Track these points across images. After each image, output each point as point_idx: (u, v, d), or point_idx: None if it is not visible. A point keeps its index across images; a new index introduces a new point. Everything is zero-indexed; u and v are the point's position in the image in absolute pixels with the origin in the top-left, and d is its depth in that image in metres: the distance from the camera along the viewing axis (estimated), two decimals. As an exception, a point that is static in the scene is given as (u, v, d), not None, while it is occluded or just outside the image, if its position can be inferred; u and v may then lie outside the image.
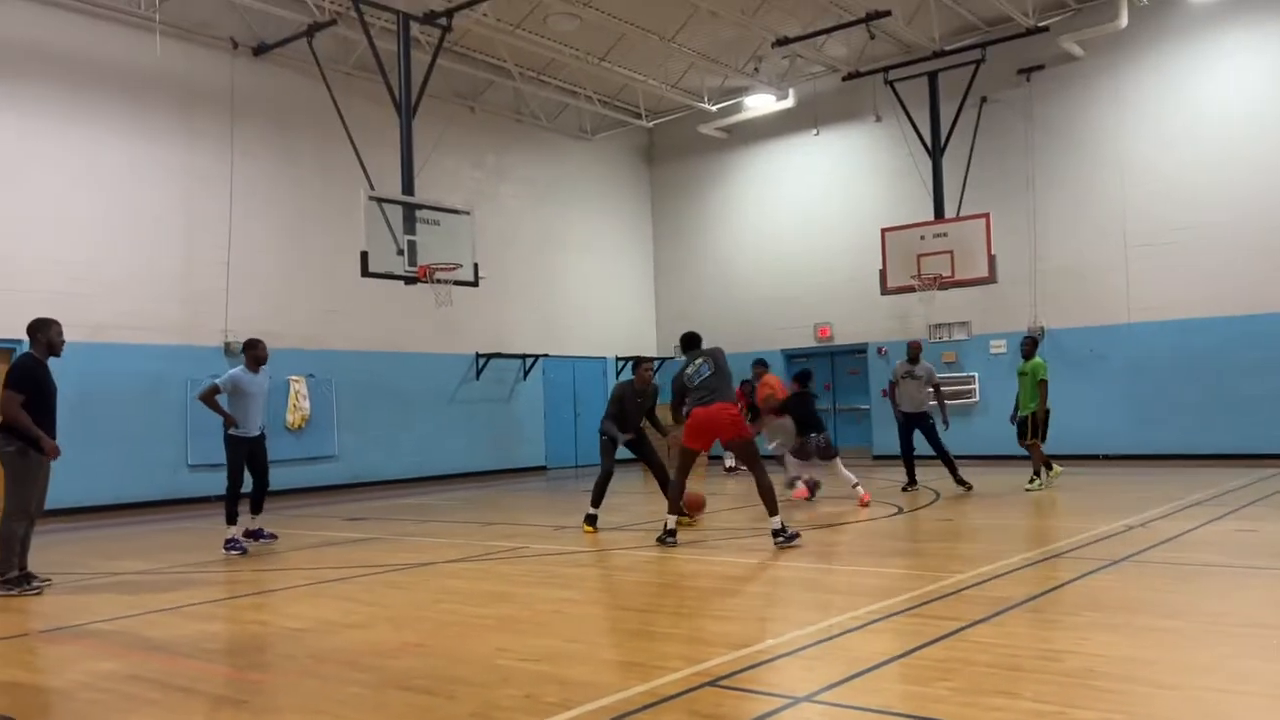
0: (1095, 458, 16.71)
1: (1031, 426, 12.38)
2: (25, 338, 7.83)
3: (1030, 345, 12.71)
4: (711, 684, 4.33)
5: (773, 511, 8.27)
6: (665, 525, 8.72)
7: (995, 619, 5.41)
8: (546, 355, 20.22)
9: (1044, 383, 12.30)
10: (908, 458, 13.10)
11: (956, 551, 8.10)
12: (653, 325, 23.08)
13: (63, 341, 7.87)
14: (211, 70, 15.55)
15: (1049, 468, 12.81)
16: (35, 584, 7.47)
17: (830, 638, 5.14)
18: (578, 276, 21.43)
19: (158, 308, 14.68)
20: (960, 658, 4.65)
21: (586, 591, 7.06)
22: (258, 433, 9.64)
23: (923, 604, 5.86)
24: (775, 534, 8.21)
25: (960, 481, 12.51)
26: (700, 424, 8.60)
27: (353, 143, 14.16)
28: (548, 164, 20.99)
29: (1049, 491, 12.29)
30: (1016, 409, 12.69)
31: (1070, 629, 5.18)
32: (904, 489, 12.81)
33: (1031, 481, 12.56)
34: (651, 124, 21.71)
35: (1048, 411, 12.36)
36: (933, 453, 12.91)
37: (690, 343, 9.25)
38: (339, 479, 16.46)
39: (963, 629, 5.19)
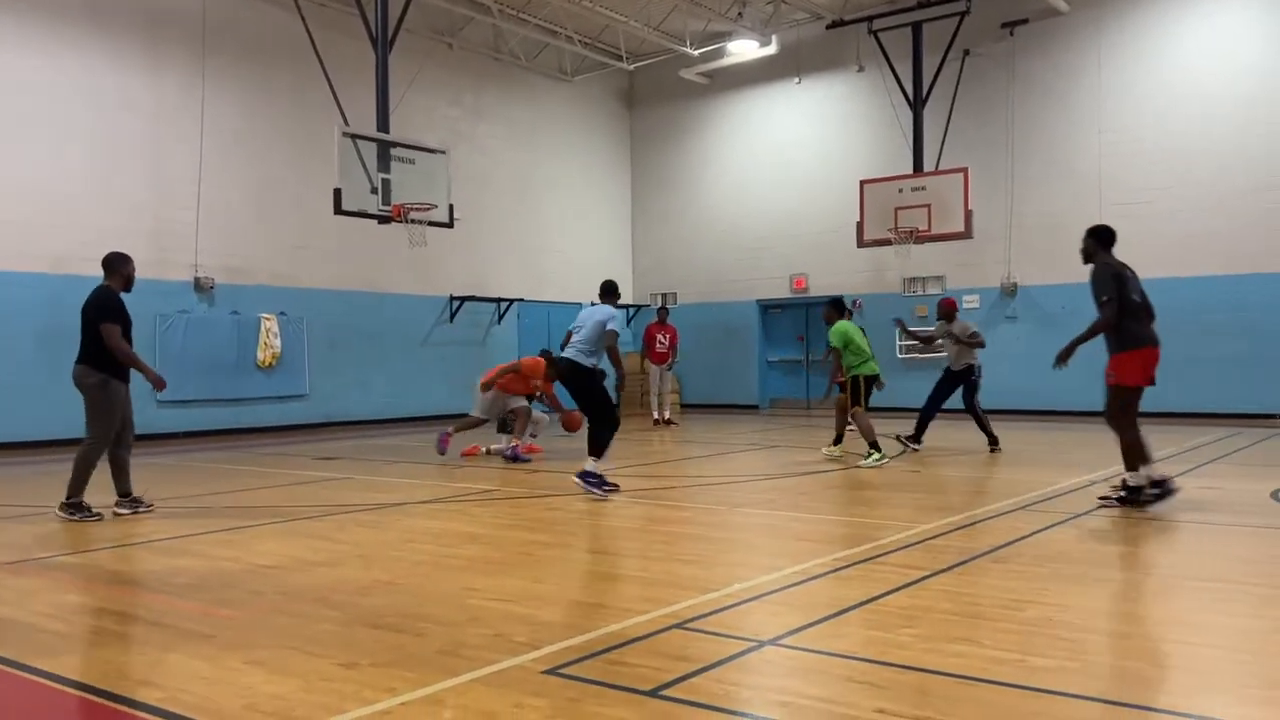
0: (1064, 414, 16.92)
1: (852, 391, 11.28)
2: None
3: (831, 310, 11.83)
4: (679, 626, 4.38)
5: (1130, 467, 7.48)
6: (1140, 485, 7.45)
7: (959, 568, 5.50)
8: (522, 300, 20.12)
9: (843, 349, 11.24)
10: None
11: (923, 502, 8.20)
12: (629, 271, 23.00)
13: (135, 276, 8.23)
14: (182, -2, 15.15)
15: (838, 440, 11.92)
16: (141, 507, 7.85)
17: (797, 583, 5.21)
18: (555, 220, 21.27)
19: (124, 241, 14.27)
20: (924, 605, 4.73)
21: (557, 534, 7.10)
22: None
23: (889, 553, 5.95)
24: (1128, 490, 7.44)
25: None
26: (1150, 358, 7.57)
27: (327, 77, 13.87)
28: (526, 104, 20.71)
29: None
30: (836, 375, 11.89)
31: (1031, 579, 5.27)
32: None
33: (868, 456, 10.78)
34: (632, 67, 21.43)
35: (858, 377, 11.15)
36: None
37: (1102, 238, 7.86)
38: (310, 418, 16.39)
39: (927, 578, 5.27)
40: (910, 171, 17.58)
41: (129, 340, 7.84)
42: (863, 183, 17.83)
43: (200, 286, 15.13)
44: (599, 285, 9.55)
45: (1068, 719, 3.31)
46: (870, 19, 18.01)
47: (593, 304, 9.38)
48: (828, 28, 18.95)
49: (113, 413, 7.67)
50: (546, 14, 19.06)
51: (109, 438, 7.71)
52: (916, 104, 17.75)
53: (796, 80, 20.58)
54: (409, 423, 17.70)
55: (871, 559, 5.77)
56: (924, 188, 17.09)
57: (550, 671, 3.77)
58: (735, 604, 4.80)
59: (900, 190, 17.33)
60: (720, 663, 3.88)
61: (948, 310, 12.56)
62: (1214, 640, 4.22)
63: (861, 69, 19.45)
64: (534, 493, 9.08)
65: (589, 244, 22.01)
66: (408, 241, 14.00)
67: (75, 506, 7.61)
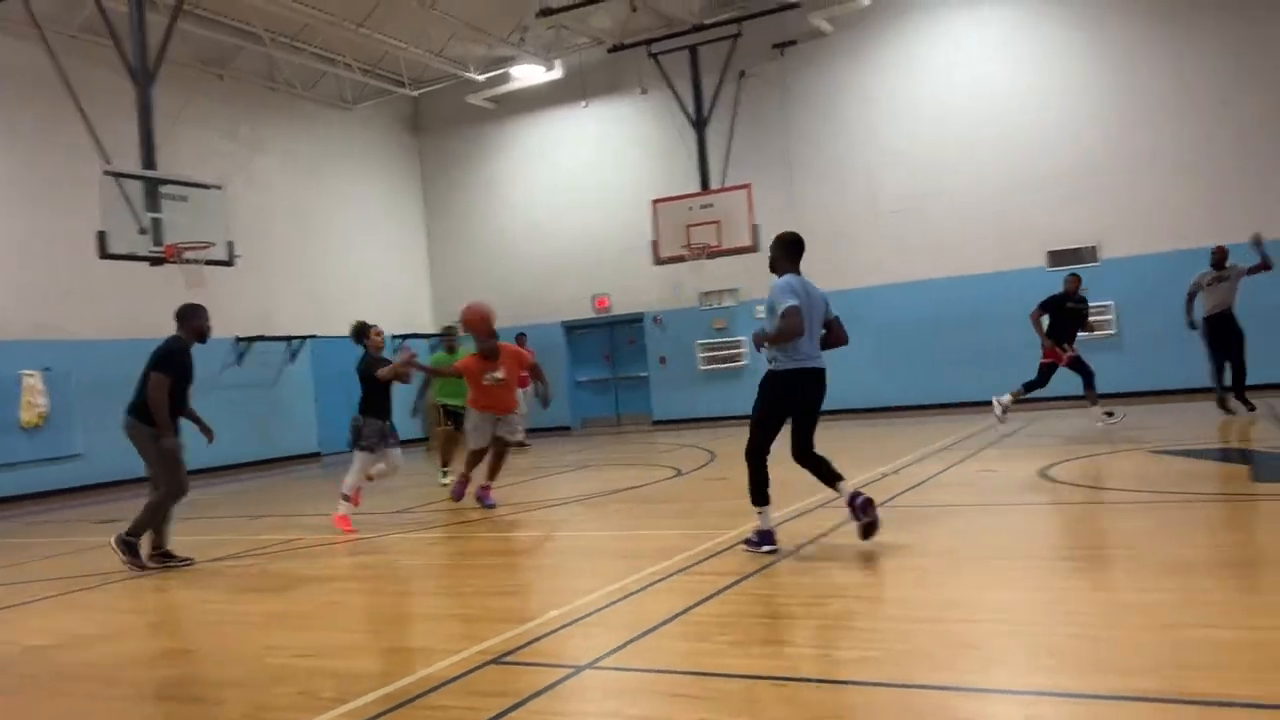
0: (850, 412, 17.78)
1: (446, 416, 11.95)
2: None
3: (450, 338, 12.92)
4: (494, 661, 4.29)
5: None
6: None
7: (766, 570, 5.65)
8: (314, 336, 19.37)
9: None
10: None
11: (729, 508, 8.41)
12: (427, 300, 22.58)
13: (210, 328, 7.97)
14: (-94, 29, 13.78)
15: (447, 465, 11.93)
16: (176, 561, 7.56)
17: (612, 603, 5.21)
18: (346, 252, 20.61)
19: None
20: (736, 610, 4.84)
21: (364, 580, 6.84)
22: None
23: (699, 561, 6.05)
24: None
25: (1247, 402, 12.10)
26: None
27: (83, 113, 12.93)
28: (307, 135, 20.01)
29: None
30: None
31: (832, 574, 5.49)
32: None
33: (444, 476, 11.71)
34: (416, 93, 21.09)
35: (446, 405, 11.86)
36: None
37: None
38: (85, 479, 15.13)
39: (738, 582, 5.39)
40: (698, 190, 18.12)
41: (185, 396, 7.78)
42: (654, 202, 18.24)
43: (-53, 344, 13.75)
44: (772, 242, 6.90)
45: (873, 706, 3.45)
46: (649, 42, 18.48)
47: (805, 279, 6.69)
48: (609, 51, 19.30)
49: (179, 461, 7.59)
50: (321, 41, 18.50)
51: (184, 488, 7.63)
52: (699, 124, 18.35)
53: (583, 104, 20.83)
54: (199, 475, 16.60)
55: (684, 570, 5.85)
56: (712, 205, 17.69)
57: (362, 725, 3.61)
58: (551, 631, 4.76)
59: (690, 208, 17.86)
60: (539, 693, 3.83)
61: (1220, 259, 12.33)
62: (998, 615, 4.50)
63: (645, 91, 19.88)
64: (338, 539, 8.71)
65: (383, 274, 21.45)
66: (184, 283, 13.21)
67: (128, 546, 7.48)
